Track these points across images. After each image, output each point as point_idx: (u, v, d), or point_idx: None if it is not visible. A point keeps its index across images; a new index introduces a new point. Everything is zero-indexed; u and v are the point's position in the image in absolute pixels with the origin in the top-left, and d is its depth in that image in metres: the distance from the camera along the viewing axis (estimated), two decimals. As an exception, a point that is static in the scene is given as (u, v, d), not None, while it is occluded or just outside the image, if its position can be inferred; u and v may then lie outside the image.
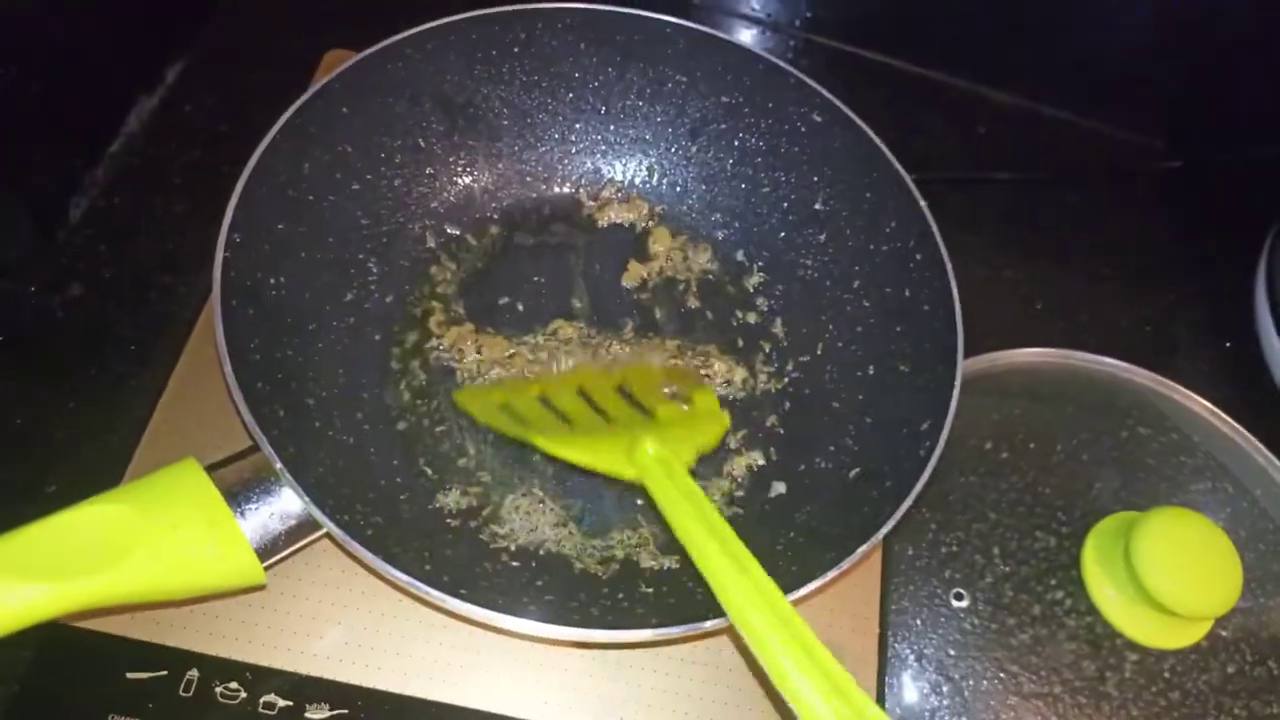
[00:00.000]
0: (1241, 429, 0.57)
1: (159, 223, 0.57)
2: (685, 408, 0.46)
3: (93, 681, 0.39)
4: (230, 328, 0.38)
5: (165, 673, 0.39)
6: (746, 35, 0.69)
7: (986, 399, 0.57)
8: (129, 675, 0.39)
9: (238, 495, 0.36)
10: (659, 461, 0.39)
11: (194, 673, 0.40)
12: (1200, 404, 0.58)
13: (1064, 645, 0.50)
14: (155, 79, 0.62)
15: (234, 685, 0.40)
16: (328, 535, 0.36)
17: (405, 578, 0.34)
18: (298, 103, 0.43)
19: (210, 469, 0.36)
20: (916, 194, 0.46)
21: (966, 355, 0.56)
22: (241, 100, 0.62)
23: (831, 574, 0.37)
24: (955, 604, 0.50)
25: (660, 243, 0.53)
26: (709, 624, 0.35)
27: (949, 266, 0.44)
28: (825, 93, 0.48)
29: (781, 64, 0.48)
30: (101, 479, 0.44)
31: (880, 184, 0.47)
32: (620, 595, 0.41)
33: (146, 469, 0.43)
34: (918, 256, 0.46)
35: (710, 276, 0.52)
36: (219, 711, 0.39)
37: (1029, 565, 0.51)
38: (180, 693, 0.39)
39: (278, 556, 0.36)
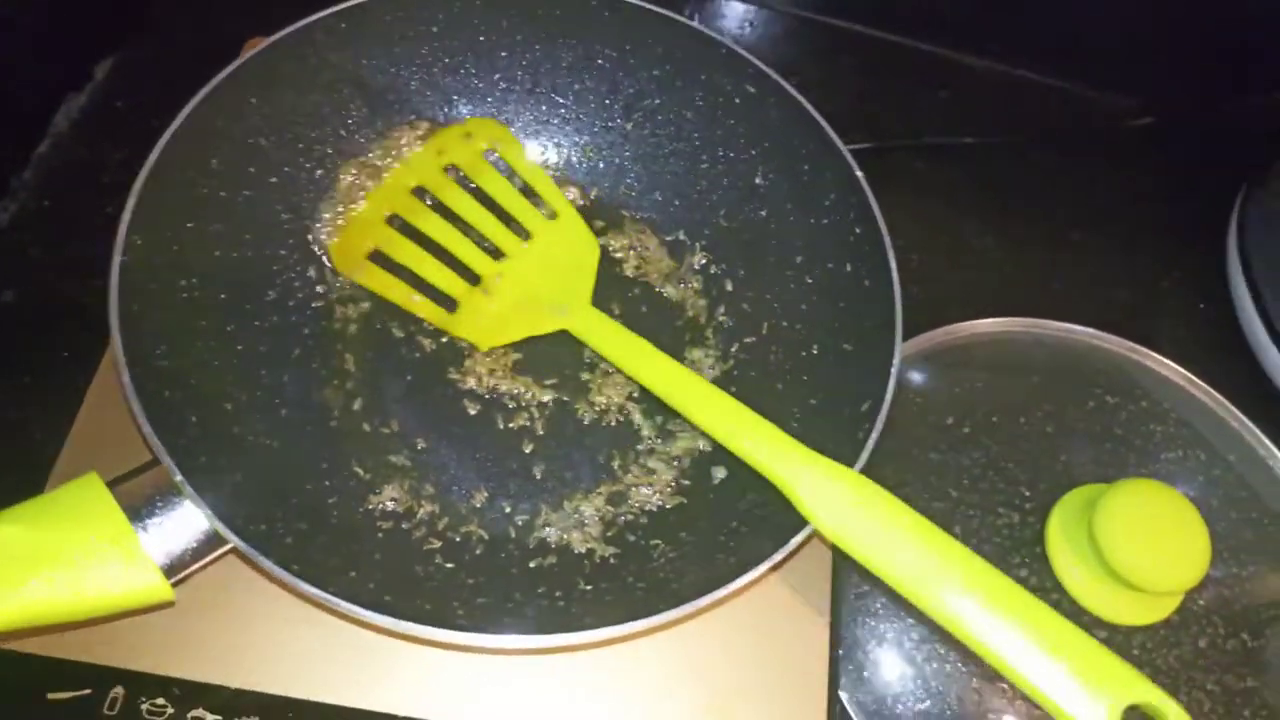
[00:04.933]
0: (1215, 394, 0.55)
1: (92, 225, 0.54)
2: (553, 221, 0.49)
3: (10, 704, 0.38)
4: (131, 335, 0.37)
5: (89, 691, 0.38)
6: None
7: (949, 372, 0.55)
8: (50, 696, 0.38)
9: (141, 510, 0.34)
10: (583, 322, 0.44)
11: (119, 690, 0.38)
12: (1173, 369, 0.56)
13: (1029, 624, 0.48)
14: (84, 76, 0.60)
15: (161, 701, 0.38)
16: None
17: (316, 591, 0.33)
18: (197, 97, 0.42)
19: (114, 483, 0.35)
20: (853, 164, 0.44)
21: (929, 327, 0.55)
22: (175, 95, 0.59)
23: (766, 565, 0.36)
24: (916, 586, 0.48)
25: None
26: (640, 624, 0.34)
27: (886, 238, 0.42)
28: (757, 62, 0.46)
29: (709, 32, 0.46)
30: (22, 490, 0.43)
31: (817, 155, 0.45)
32: (558, 594, 0.40)
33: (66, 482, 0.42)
34: (857, 230, 0.44)
35: (652, 257, 0.50)
36: (144, 730, 0.38)
37: (991, 543, 0.49)
38: (105, 711, 0.38)
39: (186, 572, 0.35)
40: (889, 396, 0.39)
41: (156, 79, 0.61)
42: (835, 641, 0.43)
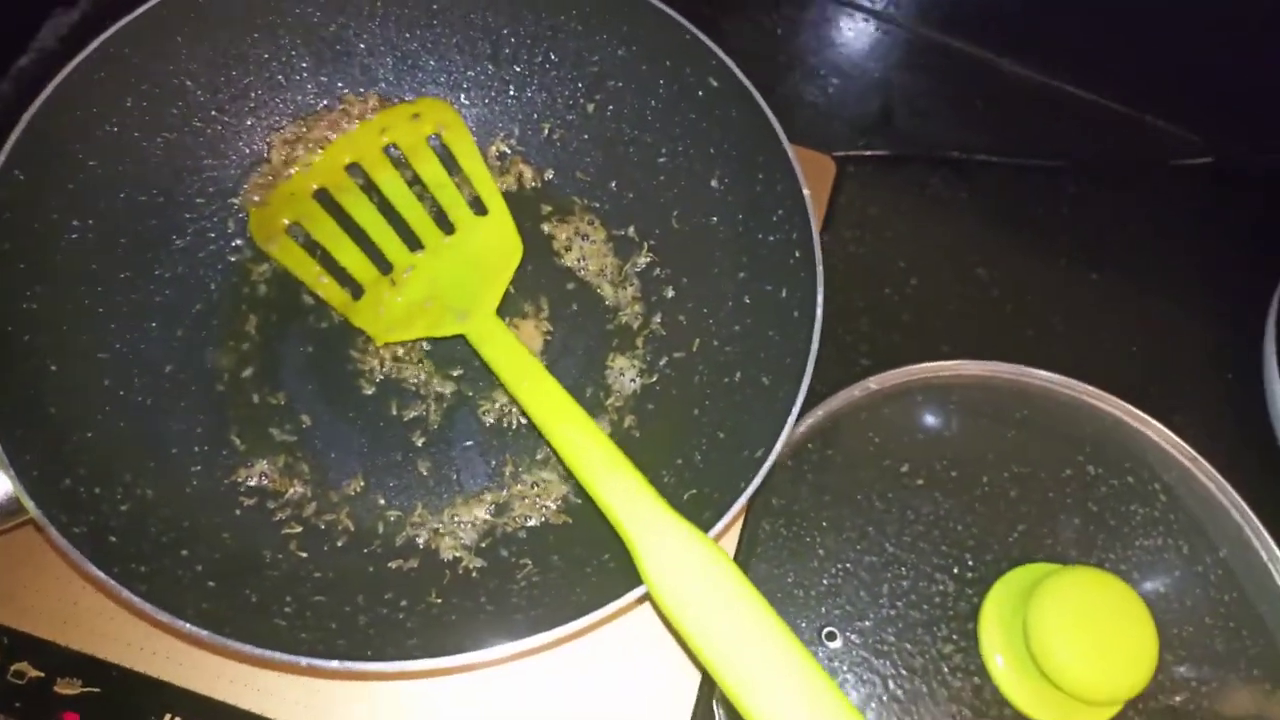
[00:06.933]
0: (1220, 479, 0.49)
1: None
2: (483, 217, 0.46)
3: None
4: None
5: (-93, 629, 0.38)
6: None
7: (917, 414, 0.50)
8: None
9: (-42, 459, 0.33)
10: (480, 331, 0.41)
11: (-58, 633, 0.38)
12: (1176, 445, 0.50)
13: (943, 706, 0.44)
14: (77, -9, 0.59)
15: (-13, 649, 0.38)
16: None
17: (100, 574, 0.31)
18: (108, 31, 0.40)
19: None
20: (801, 179, 0.39)
21: (908, 361, 0.50)
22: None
23: (593, 616, 0.32)
24: (827, 644, 0.45)
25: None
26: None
27: (819, 270, 0.38)
28: (720, 54, 0.41)
29: (676, 16, 0.42)
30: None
31: (771, 165, 0.41)
32: (403, 604, 0.37)
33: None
34: (796, 254, 0.39)
35: (596, 251, 0.47)
36: (-36, 676, 0.37)
37: (919, 611, 0.45)
38: (-75, 653, 0.37)
39: (-5, 529, 0.34)
40: (775, 450, 0.35)
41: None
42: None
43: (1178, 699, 0.44)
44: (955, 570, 0.46)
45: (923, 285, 0.57)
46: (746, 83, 0.41)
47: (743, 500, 0.34)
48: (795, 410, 0.36)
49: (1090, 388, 0.51)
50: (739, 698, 0.30)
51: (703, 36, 0.42)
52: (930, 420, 0.50)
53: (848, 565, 0.46)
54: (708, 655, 0.31)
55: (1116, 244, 0.58)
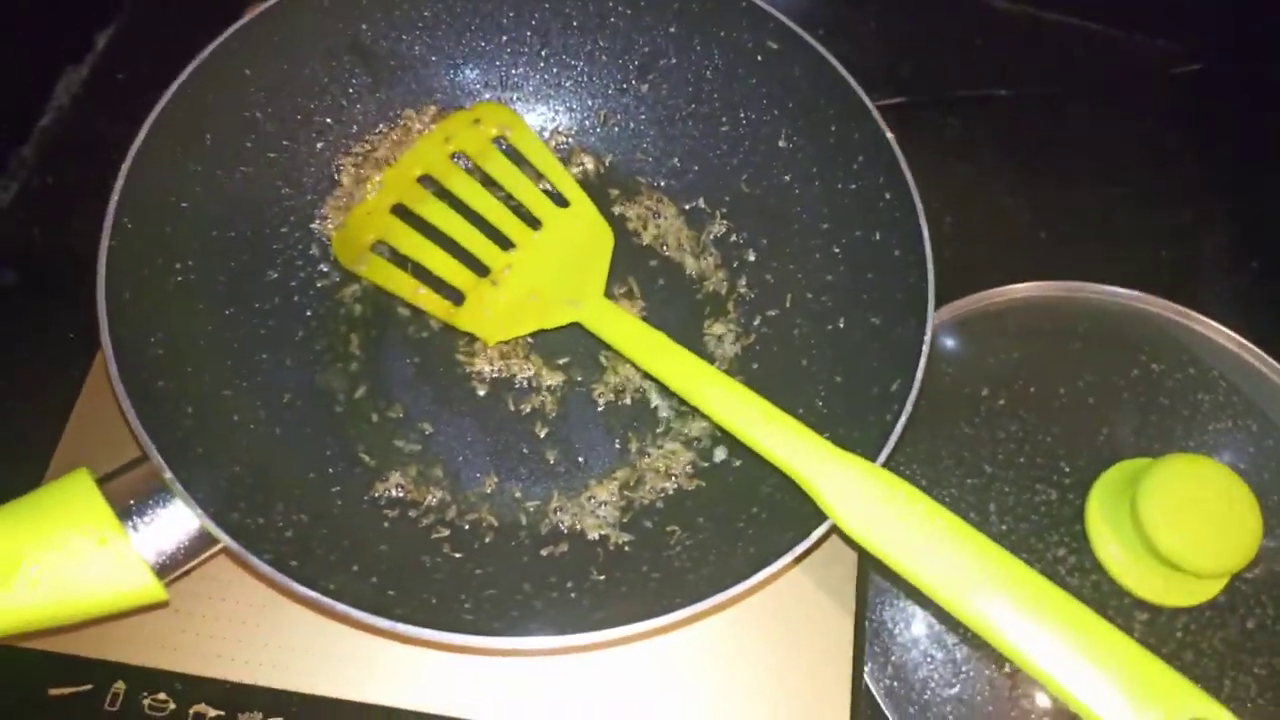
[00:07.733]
0: (1269, 358, 0.52)
1: (96, 203, 0.53)
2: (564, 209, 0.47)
3: (12, 700, 0.37)
4: (122, 324, 0.35)
5: (90, 686, 0.37)
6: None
7: (983, 340, 0.53)
8: (51, 691, 0.37)
9: (132, 507, 0.33)
10: (596, 314, 0.42)
11: (120, 685, 0.38)
12: (1222, 333, 0.52)
13: (1066, 608, 0.46)
14: (84, 47, 0.58)
15: (162, 696, 0.38)
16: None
17: (311, 594, 0.31)
18: (186, 71, 0.40)
19: (106, 479, 0.34)
20: (883, 125, 0.41)
21: (962, 294, 0.52)
22: (178, 65, 0.58)
23: (785, 559, 0.34)
24: (948, 567, 0.46)
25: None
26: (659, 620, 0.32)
27: (918, 204, 0.39)
28: (779, 15, 0.43)
29: (727, -15, 0.43)
30: (19, 484, 0.42)
31: (845, 115, 0.42)
32: (569, 585, 0.38)
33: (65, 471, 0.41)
34: (886, 195, 0.41)
35: (670, 227, 0.48)
36: (147, 726, 0.37)
37: (1029, 521, 0.47)
38: (106, 707, 0.37)
39: (180, 571, 0.34)
40: (920, 376, 0.36)
41: (160, 47, 0.58)
42: (861, 625, 0.42)
43: (1276, 565, 0.47)
44: (1054, 479, 0.48)
45: (957, 221, 0.59)
46: (810, 40, 0.42)
47: (899, 428, 0.36)
48: (927, 338, 0.37)
49: (1136, 292, 0.53)
50: (954, 604, 0.32)
51: (760, 2, 0.43)
52: (997, 344, 0.53)
53: (953, 491, 0.48)
54: (913, 574, 0.32)
55: (1128, 157, 0.61)
